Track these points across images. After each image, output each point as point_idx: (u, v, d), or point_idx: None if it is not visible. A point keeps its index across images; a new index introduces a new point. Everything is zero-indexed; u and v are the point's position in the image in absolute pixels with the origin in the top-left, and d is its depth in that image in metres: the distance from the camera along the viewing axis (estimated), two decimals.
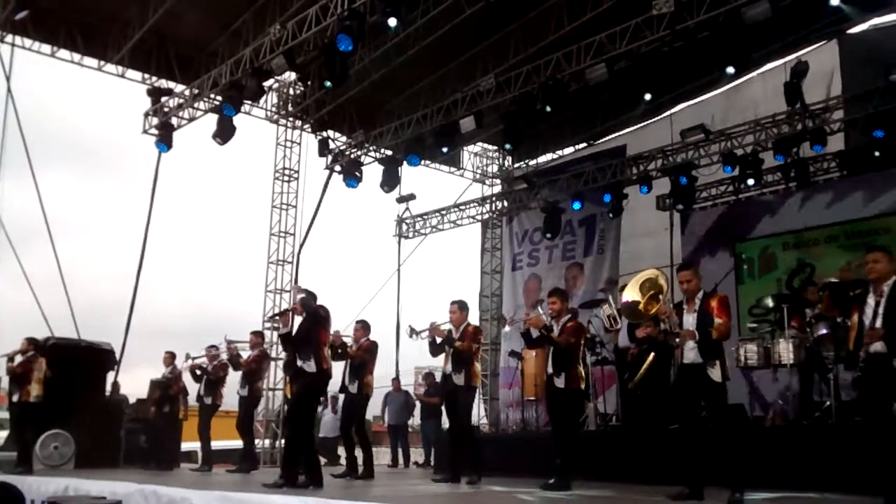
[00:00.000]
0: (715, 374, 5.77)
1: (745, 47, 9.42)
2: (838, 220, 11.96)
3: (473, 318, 10.34)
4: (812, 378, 8.85)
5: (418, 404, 14.11)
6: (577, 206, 14.11)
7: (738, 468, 5.72)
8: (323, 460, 10.72)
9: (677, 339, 5.87)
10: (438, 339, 7.81)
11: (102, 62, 12.71)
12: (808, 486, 6.75)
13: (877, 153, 11.45)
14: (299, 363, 7.06)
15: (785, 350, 8.45)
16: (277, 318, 7.95)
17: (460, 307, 8.00)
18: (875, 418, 5.21)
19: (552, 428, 7.13)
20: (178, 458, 11.19)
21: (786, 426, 8.25)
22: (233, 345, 10.18)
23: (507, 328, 7.42)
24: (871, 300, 5.24)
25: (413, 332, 7.95)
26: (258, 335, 10.71)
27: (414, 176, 16.88)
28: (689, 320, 5.92)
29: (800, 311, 8.94)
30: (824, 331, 8.42)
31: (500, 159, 17.18)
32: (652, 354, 8.50)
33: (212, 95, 12.24)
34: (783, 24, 11.56)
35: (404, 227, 16.77)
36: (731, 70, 9.55)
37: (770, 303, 9.35)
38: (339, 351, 8.91)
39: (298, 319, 7.24)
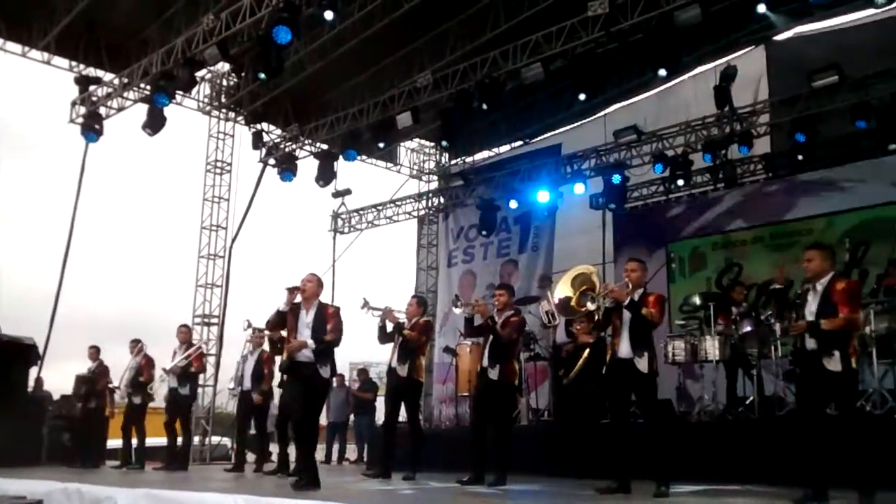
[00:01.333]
0: (642, 364, 5.89)
1: (677, 50, 9.64)
2: (764, 222, 12.34)
3: None
4: (737, 374, 9.13)
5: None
6: (512, 203, 14.22)
7: (665, 461, 5.84)
8: (252, 457, 10.61)
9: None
10: (389, 327, 7.79)
11: (27, 48, 12.25)
12: (731, 479, 6.96)
13: (799, 157, 11.85)
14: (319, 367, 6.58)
15: (711, 347, 8.68)
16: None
17: (418, 303, 8.15)
18: (806, 414, 5.31)
19: (477, 421, 7.17)
20: (103, 456, 10.88)
21: (711, 421, 8.48)
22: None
23: (456, 310, 7.44)
24: (809, 297, 5.31)
25: (367, 304, 7.91)
26: (188, 329, 10.55)
27: (350, 171, 16.84)
28: (626, 314, 6.02)
29: (726, 309, 9.21)
30: (748, 328, 8.72)
31: (437, 156, 17.20)
32: (588, 350, 8.63)
33: (142, 85, 11.93)
34: (713, 29, 11.89)
35: (340, 222, 16.66)
36: (662, 72, 9.75)
37: (697, 301, 9.60)
38: (280, 346, 8.80)
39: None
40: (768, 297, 8.81)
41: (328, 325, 6.35)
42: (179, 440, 10.07)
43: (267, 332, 9.06)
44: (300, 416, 6.48)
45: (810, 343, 5.20)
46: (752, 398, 8.43)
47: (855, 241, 10.23)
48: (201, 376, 11.14)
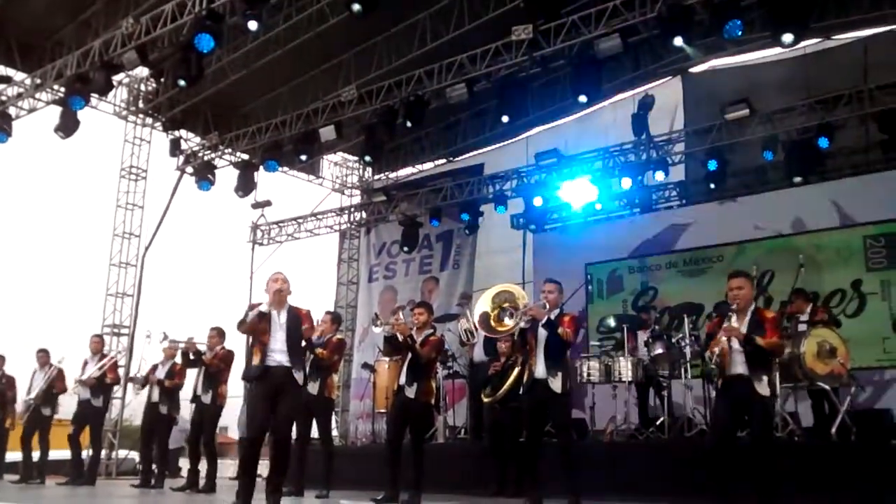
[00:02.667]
0: (556, 385, 5.97)
1: (597, 78, 9.88)
2: (678, 248, 12.73)
3: None
4: (648, 394, 9.36)
5: None
6: (434, 222, 14.28)
7: (577, 479, 5.93)
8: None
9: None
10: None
11: None
12: (642, 497, 7.11)
13: (711, 185, 12.28)
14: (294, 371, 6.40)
15: (624, 367, 8.88)
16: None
17: (332, 319, 8.08)
18: (728, 439, 5.45)
19: (393, 439, 7.14)
20: (2, 470, 10.38)
21: (623, 440, 8.65)
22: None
23: (376, 329, 7.37)
24: (734, 322, 5.40)
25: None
26: (100, 339, 10.22)
27: (271, 182, 16.60)
28: (542, 333, 6.11)
29: (640, 331, 9.44)
30: (660, 350, 8.94)
31: (361, 170, 17.13)
32: (517, 369, 8.66)
33: (55, 87, 11.52)
34: (633, 59, 12.29)
35: (259, 233, 16.38)
36: (583, 98, 9.97)
37: (612, 322, 9.82)
38: (193, 358, 8.60)
39: None
40: (680, 321, 9.06)
41: (304, 326, 6.10)
42: (86, 453, 9.69)
43: (180, 345, 8.83)
44: (280, 429, 5.91)
45: (738, 368, 5.34)
46: (662, 418, 8.64)
47: (762, 269, 10.64)
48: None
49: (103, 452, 13.08)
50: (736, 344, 5.35)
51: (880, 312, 10.26)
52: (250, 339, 6.13)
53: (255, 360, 5.92)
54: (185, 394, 9.42)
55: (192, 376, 8.83)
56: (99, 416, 9.81)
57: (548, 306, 6.14)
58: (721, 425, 5.60)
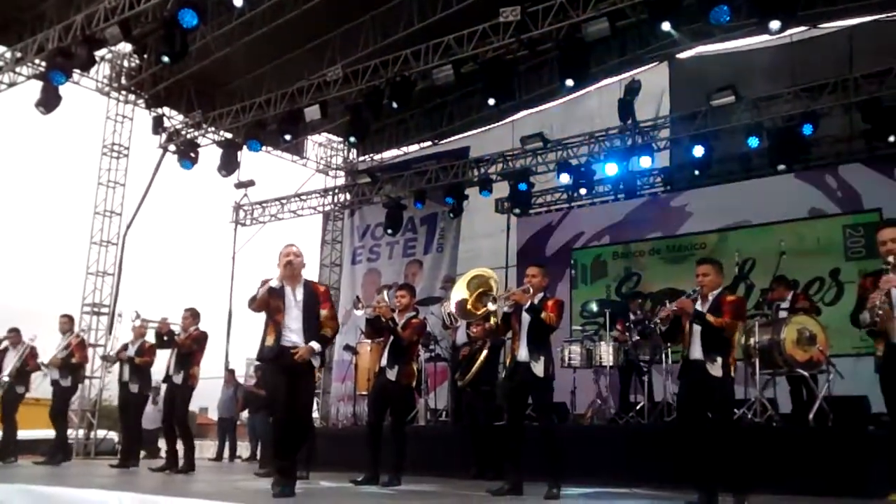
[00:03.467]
0: (538, 368, 5.98)
1: (585, 62, 9.85)
2: (662, 235, 12.77)
3: None
4: (630, 380, 9.42)
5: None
6: (419, 205, 14.24)
7: (557, 464, 5.95)
8: (142, 453, 10.27)
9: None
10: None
11: None
12: (622, 481, 7.16)
13: (696, 171, 12.31)
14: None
15: (606, 352, 8.94)
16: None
17: None
18: (687, 420, 5.50)
19: (374, 421, 7.14)
20: None
21: (604, 424, 8.70)
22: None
23: (357, 311, 7.34)
24: (698, 306, 5.47)
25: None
26: (70, 319, 10.11)
27: (254, 162, 16.50)
28: (526, 317, 6.09)
29: (622, 317, 9.48)
30: (640, 336, 8.99)
31: (345, 151, 17.04)
32: (485, 353, 8.69)
33: (37, 61, 11.34)
34: (620, 44, 12.25)
35: (242, 213, 16.28)
36: (570, 82, 9.92)
37: (595, 307, 9.85)
38: (166, 339, 8.56)
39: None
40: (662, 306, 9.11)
41: (324, 310, 5.68)
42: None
43: (150, 325, 8.76)
44: (294, 410, 5.54)
45: (696, 353, 5.40)
46: (642, 403, 8.69)
47: (744, 256, 10.70)
48: (87, 367, 10.69)
49: (81, 432, 13.10)
50: (696, 326, 5.41)
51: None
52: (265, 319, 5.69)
53: (269, 341, 5.54)
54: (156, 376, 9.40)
55: (165, 357, 8.77)
56: (65, 396, 9.74)
57: (531, 290, 6.13)
58: (682, 408, 5.66)
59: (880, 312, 4.68)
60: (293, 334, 5.52)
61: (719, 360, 5.28)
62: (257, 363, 14.54)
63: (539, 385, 6.03)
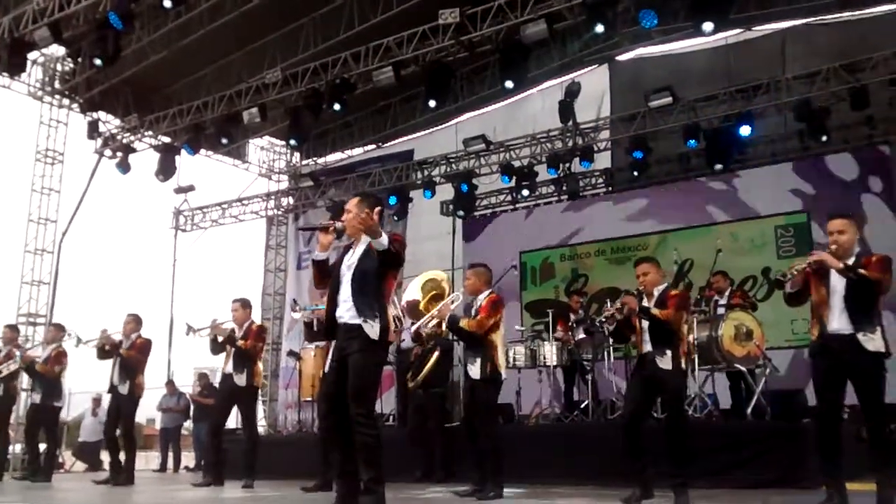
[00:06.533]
0: (474, 371, 6.01)
1: (524, 64, 9.91)
2: (605, 237, 12.91)
3: (256, 316, 10.04)
4: (574, 378, 9.48)
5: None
6: None
7: (499, 463, 5.96)
8: (83, 466, 9.96)
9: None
10: (220, 338, 7.59)
11: None
12: (567, 480, 7.21)
13: (635, 172, 12.47)
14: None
15: (549, 352, 8.97)
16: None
17: (243, 305, 7.84)
18: (634, 413, 5.55)
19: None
20: None
21: (548, 424, 8.73)
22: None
23: (294, 314, 7.28)
24: (644, 302, 5.55)
25: (191, 329, 7.67)
26: (13, 329, 9.74)
27: (195, 166, 16.20)
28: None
29: (564, 317, 9.54)
30: (583, 335, 9.06)
31: (288, 155, 16.85)
32: (437, 353, 8.66)
33: None
34: (560, 47, 12.36)
35: (182, 219, 15.98)
36: (509, 84, 9.97)
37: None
38: (107, 349, 8.32)
39: None
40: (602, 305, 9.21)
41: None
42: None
43: (99, 343, 8.47)
44: (364, 399, 4.29)
45: (647, 347, 5.48)
46: (586, 402, 8.75)
47: (683, 256, 10.87)
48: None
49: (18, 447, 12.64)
50: (645, 323, 5.49)
51: None
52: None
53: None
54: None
55: (107, 367, 8.51)
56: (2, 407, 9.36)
57: (457, 299, 6.14)
58: (630, 402, 5.71)
59: (795, 273, 4.88)
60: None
61: (668, 353, 5.36)
62: (201, 372, 14.38)
63: (476, 386, 6.05)
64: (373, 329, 4.28)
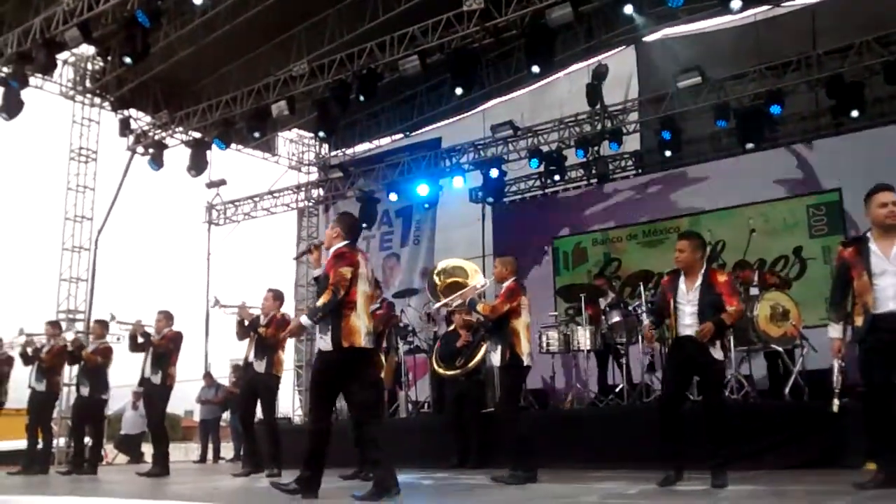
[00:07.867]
0: (496, 358, 6.11)
1: (550, 48, 9.85)
2: (636, 221, 12.83)
3: (289, 307, 10.14)
4: (607, 363, 9.46)
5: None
6: (393, 196, 14.19)
7: (528, 446, 6.00)
8: (125, 458, 10.14)
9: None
10: (246, 322, 7.74)
11: None
12: (602, 464, 7.20)
13: (667, 153, 12.36)
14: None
15: (583, 337, 8.95)
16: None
17: (274, 296, 7.97)
18: (677, 399, 5.53)
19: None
20: None
21: (583, 408, 8.73)
22: (31, 337, 9.34)
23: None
24: (682, 286, 5.44)
25: (217, 302, 7.89)
26: (55, 326, 9.94)
27: (226, 161, 16.38)
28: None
29: (594, 301, 9.51)
30: (617, 318, 9.02)
31: (317, 147, 16.93)
32: (485, 346, 8.68)
33: None
34: (586, 29, 12.25)
35: (215, 213, 16.15)
36: (536, 69, 9.94)
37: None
38: (141, 341, 8.47)
39: None
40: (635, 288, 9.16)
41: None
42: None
43: (131, 331, 8.62)
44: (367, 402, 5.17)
45: (685, 330, 5.35)
46: (621, 385, 8.73)
47: (715, 237, 10.76)
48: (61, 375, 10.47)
49: (62, 440, 12.93)
50: (687, 306, 5.37)
51: (822, 275, 10.46)
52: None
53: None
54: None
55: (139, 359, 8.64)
56: (45, 402, 9.53)
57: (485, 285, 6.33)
58: (669, 385, 5.64)
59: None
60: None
61: (718, 342, 5.33)
62: (235, 364, 14.56)
63: (500, 372, 6.15)
64: (323, 341, 4.95)
